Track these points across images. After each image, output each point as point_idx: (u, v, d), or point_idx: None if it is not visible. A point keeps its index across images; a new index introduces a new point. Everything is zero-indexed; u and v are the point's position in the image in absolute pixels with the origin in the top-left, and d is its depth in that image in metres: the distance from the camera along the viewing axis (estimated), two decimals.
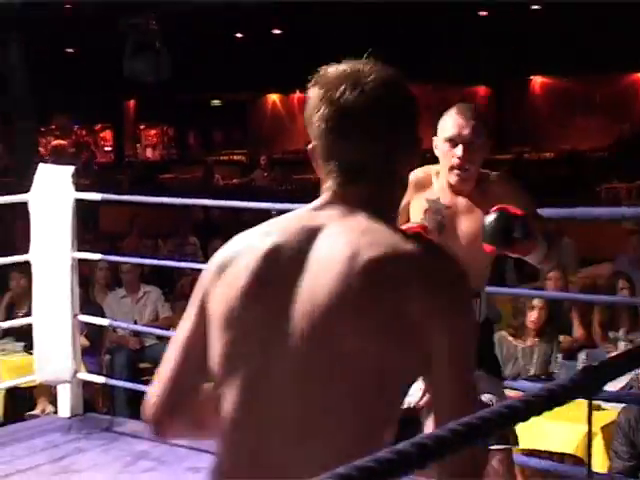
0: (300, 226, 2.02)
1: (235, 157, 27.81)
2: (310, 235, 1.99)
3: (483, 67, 22.16)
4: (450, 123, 4.25)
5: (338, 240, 1.95)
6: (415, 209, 4.24)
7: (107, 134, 30.59)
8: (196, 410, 2.14)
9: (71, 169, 6.36)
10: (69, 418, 6.55)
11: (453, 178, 4.21)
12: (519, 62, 21.03)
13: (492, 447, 4.37)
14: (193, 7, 11.13)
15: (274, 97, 30.33)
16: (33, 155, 10.31)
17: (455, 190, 4.25)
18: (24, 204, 6.37)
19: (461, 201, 4.28)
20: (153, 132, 31.11)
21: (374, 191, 2.03)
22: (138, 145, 30.58)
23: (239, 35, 21.01)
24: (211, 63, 19.03)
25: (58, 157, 11.04)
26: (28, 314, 7.55)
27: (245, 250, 2.03)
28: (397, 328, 1.89)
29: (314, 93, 2.02)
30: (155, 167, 26.65)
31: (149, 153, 30.67)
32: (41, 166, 6.41)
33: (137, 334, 9.05)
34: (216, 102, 29.80)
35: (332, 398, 1.91)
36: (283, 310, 1.94)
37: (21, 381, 7.23)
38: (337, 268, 1.91)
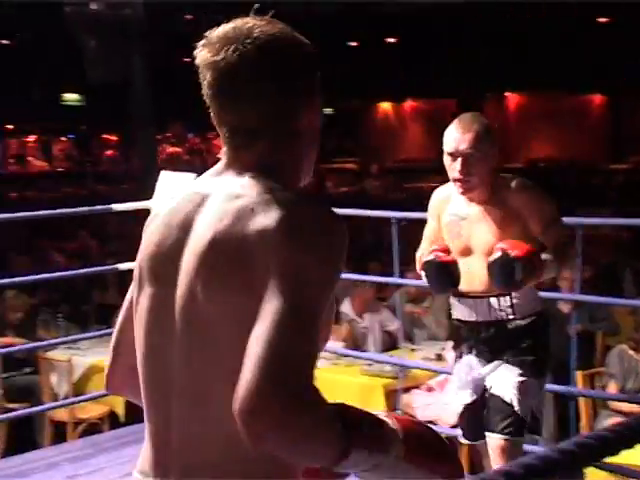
0: (194, 192, 2.02)
1: (347, 165, 27.83)
2: (199, 202, 1.99)
3: (597, 75, 21.85)
4: (449, 137, 4.32)
5: (212, 210, 1.95)
6: (444, 223, 4.42)
7: (219, 141, 30.85)
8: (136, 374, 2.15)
9: (192, 175, 6.40)
10: None
11: (458, 190, 4.31)
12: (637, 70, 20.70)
13: (497, 436, 4.42)
14: (309, 15, 11.19)
15: (386, 106, 30.30)
16: (153, 163, 10.45)
17: (468, 199, 4.34)
18: (146, 210, 6.42)
19: (477, 209, 4.35)
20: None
21: (268, 154, 1.99)
22: None
23: (353, 44, 21.00)
24: (324, 71, 19.06)
25: (173, 164, 11.20)
26: None
27: (152, 220, 2.10)
28: (249, 285, 1.86)
29: (200, 58, 1.97)
30: None
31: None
32: (163, 173, 6.47)
33: None
34: (328, 110, 29.86)
35: (208, 363, 1.94)
36: (167, 285, 1.99)
37: None
38: (204, 239, 1.93)
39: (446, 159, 4.34)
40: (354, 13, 11.71)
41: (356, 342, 8.41)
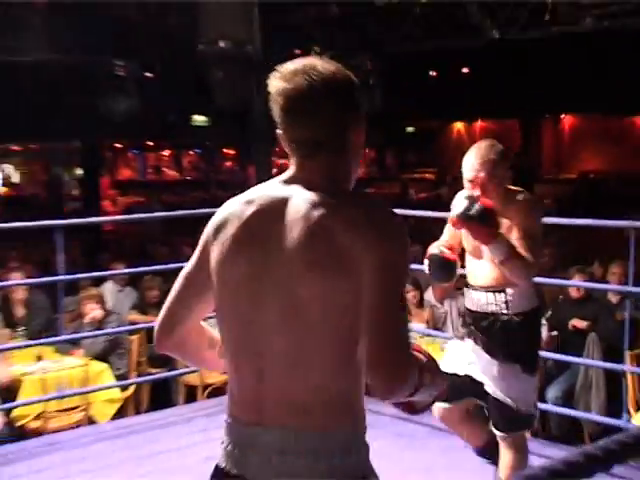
0: (273, 196, 2.12)
1: (426, 175, 27.73)
2: (280, 204, 2.09)
3: None
4: (467, 165, 4.19)
5: (298, 209, 2.06)
6: None
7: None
8: (191, 337, 2.32)
9: None
10: None
11: None
12: None
13: (503, 434, 4.33)
14: (401, 51, 11.16)
15: (459, 125, 30.11)
16: (267, 173, 10.47)
17: None
18: None
19: None
20: None
21: (330, 162, 2.12)
22: None
23: (433, 73, 20.90)
24: (408, 96, 18.99)
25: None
26: None
27: (232, 217, 2.15)
28: (344, 270, 2.00)
29: (273, 87, 2.09)
30: (359, 183, 26.78)
31: None
32: None
33: None
34: (410, 129, 29.75)
35: (305, 332, 2.04)
36: (261, 267, 2.08)
37: None
38: (295, 232, 2.04)
39: (465, 183, 4.22)
40: (435, 48, 11.63)
41: (436, 324, 8.36)
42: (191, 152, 36.16)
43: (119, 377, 7.51)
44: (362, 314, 2.02)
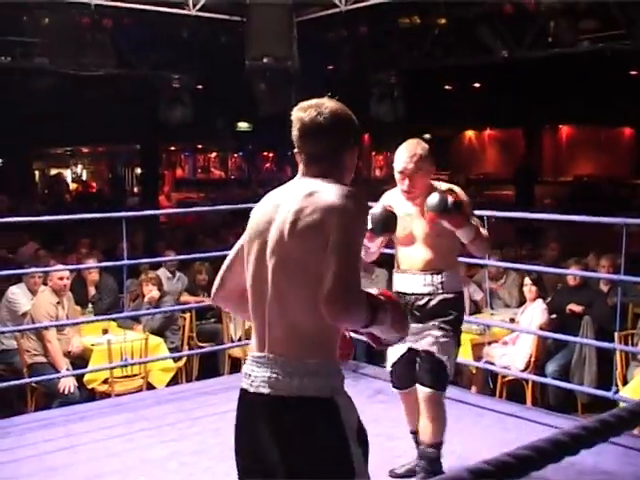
0: (283, 191, 2.61)
1: (440, 176, 27.59)
2: (285, 193, 2.57)
3: (627, 113, 21.32)
4: (398, 159, 4.27)
5: (292, 200, 2.49)
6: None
7: None
8: (234, 293, 2.70)
9: None
10: None
11: (405, 196, 4.29)
12: None
13: (429, 390, 4.29)
14: (421, 67, 11.12)
15: (470, 133, 29.97)
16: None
17: (411, 202, 4.30)
18: None
19: (418, 209, 4.27)
20: (381, 157, 31.25)
21: (325, 171, 2.56)
22: (370, 167, 30.72)
23: (448, 87, 20.81)
24: (426, 107, 18.91)
25: None
26: None
27: (258, 207, 2.65)
28: (319, 230, 2.40)
29: (294, 116, 2.57)
30: (382, 183, 26.76)
31: (377, 172, 30.80)
32: None
33: None
34: (427, 136, 29.61)
35: (287, 282, 2.45)
36: (265, 238, 2.53)
37: None
38: (287, 215, 2.47)
39: (396, 175, 4.29)
40: (450, 65, 11.59)
41: None
42: (235, 154, 36.23)
43: (173, 349, 7.57)
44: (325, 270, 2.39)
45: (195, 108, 11.15)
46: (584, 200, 19.03)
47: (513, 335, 7.41)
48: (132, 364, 6.91)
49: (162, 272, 8.74)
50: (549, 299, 7.73)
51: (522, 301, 7.92)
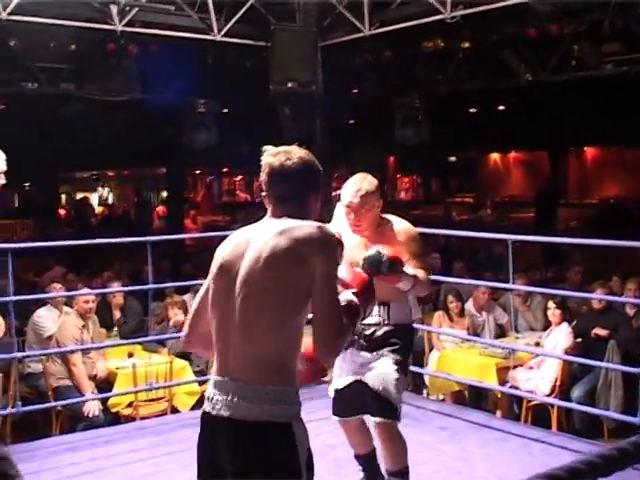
0: (253, 228, 2.77)
1: (466, 199, 27.54)
2: (255, 232, 2.73)
3: None
4: (345, 194, 4.24)
5: (266, 235, 2.65)
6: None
7: None
8: (206, 336, 2.76)
9: None
10: None
11: (352, 229, 4.25)
12: None
13: (377, 419, 4.23)
14: (445, 91, 11.15)
15: (495, 155, 29.89)
16: (328, 196, 10.50)
17: (357, 233, 4.26)
18: None
19: (364, 240, 4.23)
20: (406, 180, 31.20)
21: (293, 211, 2.72)
22: (395, 189, 30.71)
23: (473, 110, 20.80)
24: (451, 130, 18.93)
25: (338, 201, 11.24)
26: None
27: (225, 243, 2.79)
28: (294, 263, 2.58)
29: (265, 160, 2.76)
30: (408, 205, 26.74)
31: (403, 195, 30.78)
32: (338, 204, 6.48)
33: None
34: (452, 158, 29.60)
35: (254, 313, 2.58)
36: (236, 272, 2.66)
37: None
38: (263, 247, 2.62)
39: (342, 208, 4.27)
40: (475, 88, 11.62)
41: (475, 330, 8.32)
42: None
43: (198, 373, 7.58)
44: (296, 301, 2.59)
45: (220, 132, 11.23)
46: (610, 222, 18.91)
47: (538, 359, 7.38)
48: (157, 388, 6.94)
49: (188, 297, 8.78)
50: (574, 323, 7.69)
51: (547, 324, 7.89)
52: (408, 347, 4.41)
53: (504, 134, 22.21)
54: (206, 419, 2.68)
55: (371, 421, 4.30)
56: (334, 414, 4.51)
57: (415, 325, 4.61)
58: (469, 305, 8.47)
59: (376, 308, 4.20)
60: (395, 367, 4.23)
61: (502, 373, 7.31)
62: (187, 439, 5.82)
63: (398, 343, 4.28)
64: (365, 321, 4.16)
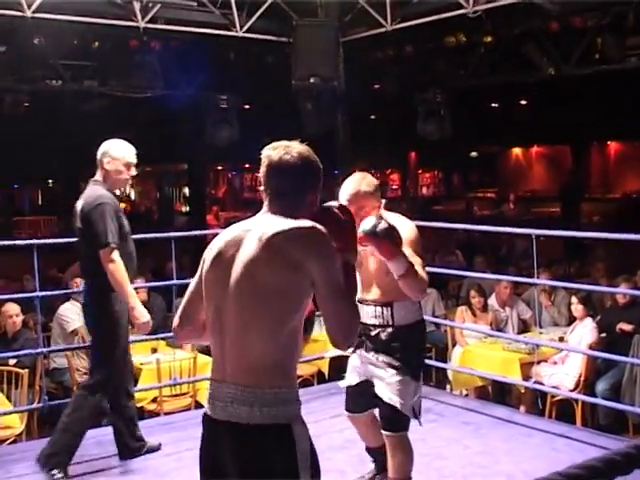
0: (247, 224, 2.73)
1: (488, 194, 27.46)
2: (249, 229, 2.68)
3: None
4: (341, 195, 4.06)
5: (260, 230, 2.62)
6: None
7: (395, 176, 30.86)
8: (197, 326, 2.81)
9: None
10: None
11: None
12: None
13: (388, 434, 4.16)
14: (467, 85, 11.11)
15: (517, 150, 29.81)
16: None
17: None
18: None
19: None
20: (428, 175, 31.18)
21: (289, 206, 2.69)
22: (417, 185, 30.66)
23: (494, 105, 20.74)
24: (472, 125, 18.87)
25: None
26: None
27: (219, 238, 2.76)
28: (289, 267, 2.54)
29: (264, 154, 2.72)
30: (429, 201, 26.72)
31: (424, 190, 30.73)
32: None
33: None
34: (473, 153, 29.54)
35: (250, 314, 2.56)
36: (229, 268, 2.63)
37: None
38: (256, 241, 2.60)
39: None
40: (497, 83, 11.57)
41: (498, 326, 8.29)
42: None
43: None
44: (291, 303, 2.56)
45: (242, 128, 11.24)
46: (632, 217, 18.81)
47: (562, 354, 7.35)
48: (181, 383, 6.96)
49: None
50: (598, 318, 7.64)
51: (571, 319, 7.85)
52: (415, 349, 4.28)
53: (526, 128, 22.14)
54: (208, 422, 2.71)
55: (383, 434, 4.24)
56: (346, 409, 4.49)
57: (424, 320, 4.41)
58: (492, 300, 8.44)
59: (379, 309, 4.18)
60: (399, 377, 4.11)
61: (526, 368, 7.28)
62: None
63: (402, 347, 4.15)
64: (369, 321, 4.18)
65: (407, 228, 4.14)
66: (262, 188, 2.76)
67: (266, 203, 2.74)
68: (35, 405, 6.31)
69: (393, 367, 4.12)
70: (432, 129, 10.40)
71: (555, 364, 7.36)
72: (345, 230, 2.84)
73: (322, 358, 7.73)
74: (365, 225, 3.83)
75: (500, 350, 7.62)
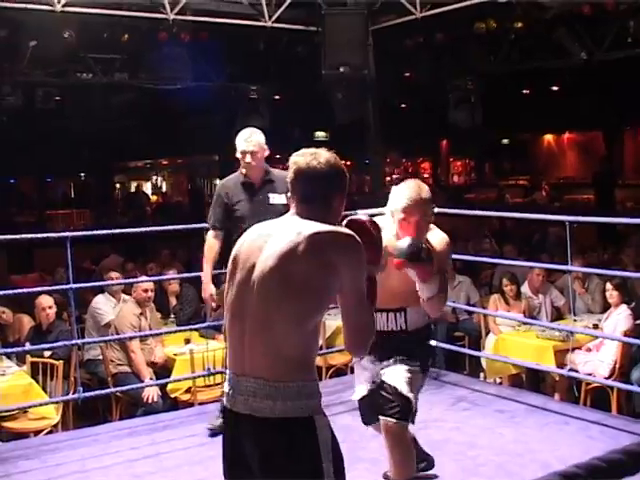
0: (273, 225, 2.83)
1: (520, 182, 27.26)
2: (275, 231, 2.77)
3: None
4: (403, 201, 3.95)
5: (294, 229, 2.69)
6: None
7: (426, 165, 30.71)
8: None
9: None
10: None
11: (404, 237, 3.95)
12: None
13: (388, 419, 4.01)
14: (498, 72, 11.06)
15: (549, 137, 29.56)
16: (380, 181, 10.49)
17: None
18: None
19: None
20: (459, 163, 30.98)
21: (316, 211, 2.77)
22: (448, 173, 30.52)
23: (526, 91, 20.57)
24: (503, 111, 18.75)
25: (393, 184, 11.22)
26: None
27: (243, 237, 2.88)
28: (323, 266, 2.62)
29: (292, 160, 2.82)
30: (461, 189, 26.60)
31: (456, 179, 30.57)
32: (394, 187, 6.46)
33: (454, 310, 8.96)
34: (505, 141, 29.33)
35: (283, 302, 2.61)
36: (251, 270, 2.72)
37: None
38: (292, 238, 2.66)
39: (399, 214, 3.98)
40: (528, 69, 11.49)
41: (532, 313, 8.25)
42: None
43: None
44: (316, 300, 2.64)
45: (272, 118, 11.26)
46: None
47: (597, 341, 7.30)
48: (214, 373, 6.98)
49: None
50: (633, 304, 7.58)
51: (606, 306, 7.79)
52: (426, 348, 4.29)
53: (558, 115, 21.93)
54: (229, 415, 2.76)
55: (381, 421, 4.09)
56: (363, 422, 4.40)
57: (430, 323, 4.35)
58: (525, 288, 8.40)
59: (392, 315, 4.15)
60: (411, 373, 4.07)
61: (560, 356, 7.23)
62: None
63: (415, 350, 4.13)
64: (383, 328, 4.12)
65: (439, 241, 4.07)
66: (288, 194, 2.91)
67: (293, 207, 2.84)
68: (70, 396, 6.36)
69: (406, 363, 4.09)
70: (463, 117, 10.38)
71: (590, 351, 7.31)
72: (373, 244, 2.92)
73: None
74: (403, 248, 3.78)
75: (534, 338, 7.58)
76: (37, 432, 6.36)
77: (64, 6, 8.07)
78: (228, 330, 2.78)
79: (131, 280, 8.02)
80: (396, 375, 4.08)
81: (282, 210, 4.62)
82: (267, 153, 5.74)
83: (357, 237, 2.71)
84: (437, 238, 4.07)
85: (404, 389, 4.03)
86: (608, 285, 7.39)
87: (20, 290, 6.69)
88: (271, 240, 2.73)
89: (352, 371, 7.93)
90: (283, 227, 2.76)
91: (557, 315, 8.37)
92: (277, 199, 5.57)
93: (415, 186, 4.02)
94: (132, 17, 8.80)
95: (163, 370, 7.25)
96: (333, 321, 7.78)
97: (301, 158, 2.81)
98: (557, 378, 7.42)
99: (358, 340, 2.75)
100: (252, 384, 2.64)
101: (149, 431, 5.82)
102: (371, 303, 2.82)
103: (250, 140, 5.63)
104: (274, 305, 2.62)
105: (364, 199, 13.67)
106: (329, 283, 2.65)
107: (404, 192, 3.99)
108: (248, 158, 5.65)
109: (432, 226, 4.14)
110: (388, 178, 21.36)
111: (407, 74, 11.95)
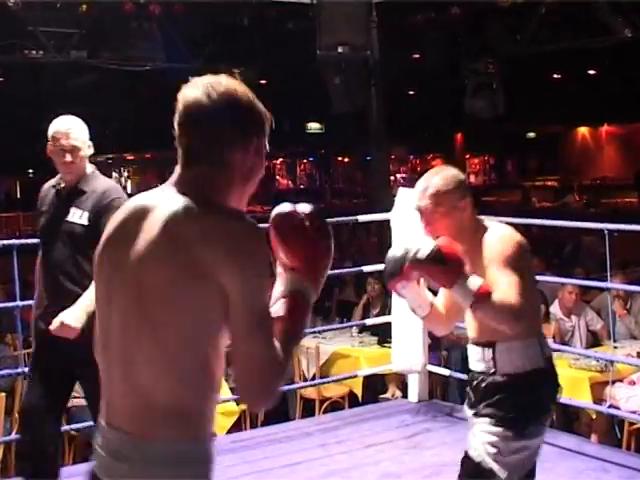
0: (142, 203, 2.14)
1: (548, 183, 27.39)
2: (147, 210, 2.09)
3: None
4: (414, 195, 3.62)
5: (159, 215, 2.05)
6: None
7: (437, 162, 30.79)
8: None
9: None
10: (417, 403, 6.57)
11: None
12: None
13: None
14: (524, 53, 11.09)
15: (583, 130, 29.70)
16: (385, 181, 10.49)
17: None
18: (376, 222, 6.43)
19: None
20: (476, 161, 31.16)
21: (203, 176, 2.10)
22: (464, 172, 30.69)
23: (557, 76, 20.66)
24: (529, 100, 18.83)
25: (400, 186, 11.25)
26: (382, 313, 7.79)
27: (112, 220, 2.18)
28: (192, 273, 1.99)
29: (180, 93, 2.13)
30: (479, 191, 26.67)
31: (472, 179, 30.69)
32: (401, 189, 6.48)
33: None
34: (531, 134, 29.47)
35: (141, 329, 2.02)
36: (116, 269, 2.09)
37: (378, 370, 7.33)
38: (150, 234, 2.03)
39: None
40: (559, 49, 11.50)
41: (563, 338, 8.24)
42: (305, 160, 36.41)
43: (234, 390, 7.61)
44: (205, 322, 2.04)
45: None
46: None
47: None
48: None
49: None
50: None
51: None
52: (522, 405, 3.58)
53: (595, 104, 22.02)
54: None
55: None
56: None
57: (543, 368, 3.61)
58: (554, 308, 8.38)
59: (480, 350, 3.59)
60: (496, 437, 3.45)
61: (597, 389, 7.21)
62: (224, 468, 5.82)
63: (504, 404, 3.52)
64: (473, 367, 3.58)
65: (496, 239, 3.53)
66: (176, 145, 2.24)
67: (176, 168, 2.20)
68: (13, 436, 6.31)
69: (489, 416, 3.53)
70: (482, 105, 10.40)
71: (634, 384, 7.29)
72: (311, 247, 2.24)
73: (355, 377, 7.73)
74: (397, 251, 3.40)
75: (566, 367, 7.56)
76: None
77: None
78: (98, 360, 2.22)
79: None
80: (477, 441, 3.53)
81: (75, 234, 4.34)
82: (91, 151, 4.90)
83: (248, 220, 2.10)
84: (492, 233, 3.54)
85: (479, 456, 3.49)
86: None
87: None
88: (142, 226, 2.11)
89: (351, 405, 7.95)
90: (153, 209, 2.12)
91: (593, 341, 8.36)
92: (77, 217, 4.65)
93: (426, 176, 3.65)
94: None
95: None
96: (329, 346, 7.74)
97: (191, 90, 2.12)
98: (594, 416, 7.41)
99: (249, 387, 2.10)
100: (114, 438, 2.10)
101: None
102: (293, 336, 2.15)
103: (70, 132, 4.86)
104: (132, 332, 2.07)
105: (363, 202, 13.67)
106: (204, 296, 2.02)
107: (416, 186, 3.66)
108: (68, 157, 4.80)
109: (493, 224, 3.63)
110: (393, 178, 21.45)
111: (416, 55, 11.98)
